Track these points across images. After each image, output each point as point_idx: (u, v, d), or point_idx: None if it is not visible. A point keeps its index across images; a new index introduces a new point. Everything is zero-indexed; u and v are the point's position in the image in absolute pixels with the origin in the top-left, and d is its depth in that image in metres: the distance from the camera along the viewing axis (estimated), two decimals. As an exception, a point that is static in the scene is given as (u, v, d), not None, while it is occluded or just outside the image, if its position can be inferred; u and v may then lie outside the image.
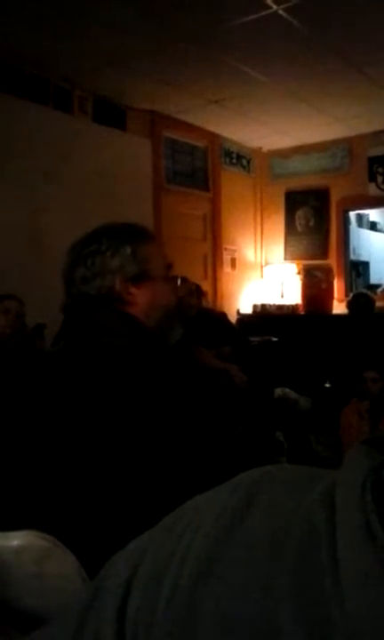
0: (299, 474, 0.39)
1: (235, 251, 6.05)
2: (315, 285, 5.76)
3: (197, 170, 5.66)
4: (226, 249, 5.93)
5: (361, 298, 5.02)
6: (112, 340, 1.17)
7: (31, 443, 1.11)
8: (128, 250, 1.24)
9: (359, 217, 6.98)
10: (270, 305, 6.03)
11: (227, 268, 5.95)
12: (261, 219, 6.38)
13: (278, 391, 3.25)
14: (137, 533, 0.43)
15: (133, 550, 0.41)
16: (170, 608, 0.35)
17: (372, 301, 4.96)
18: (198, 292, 3.96)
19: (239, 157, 6.10)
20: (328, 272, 5.82)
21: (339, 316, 5.42)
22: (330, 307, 5.73)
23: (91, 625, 0.39)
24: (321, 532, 0.32)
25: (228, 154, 5.96)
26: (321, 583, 0.30)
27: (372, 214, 7.41)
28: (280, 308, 5.96)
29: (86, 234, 1.30)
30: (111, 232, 1.28)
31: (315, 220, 6.07)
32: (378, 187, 5.63)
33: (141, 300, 1.25)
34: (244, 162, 6.18)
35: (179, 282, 1.36)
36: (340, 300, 5.68)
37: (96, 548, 0.69)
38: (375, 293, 5.45)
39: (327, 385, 4.58)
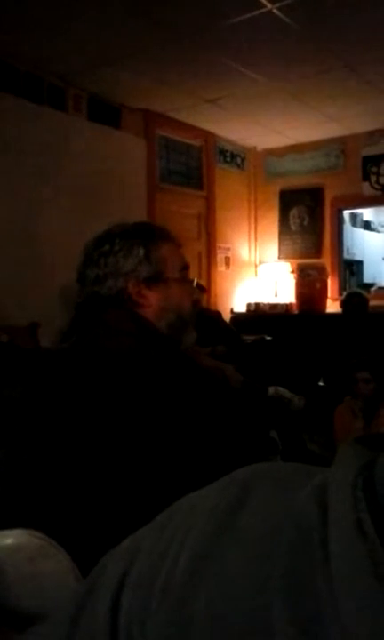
0: (291, 471, 0.39)
1: (229, 249, 6.06)
2: (308, 284, 5.77)
3: (191, 168, 5.66)
4: (220, 248, 5.94)
5: (354, 297, 5.03)
6: (119, 341, 1.16)
7: (29, 440, 1.11)
8: (141, 251, 1.22)
9: (353, 216, 7.01)
10: (264, 304, 6.04)
11: (221, 267, 5.95)
12: (255, 217, 6.38)
13: (271, 390, 3.25)
14: (130, 532, 0.43)
15: (126, 548, 0.42)
16: (163, 606, 0.35)
17: (365, 300, 4.97)
18: (199, 288, 3.94)
19: (233, 156, 6.10)
20: (322, 271, 5.84)
21: (332, 315, 5.43)
22: (323, 306, 5.74)
23: (84, 623, 0.39)
24: (313, 530, 0.32)
25: (223, 152, 5.96)
26: (313, 581, 0.30)
27: (366, 213, 7.44)
28: (274, 306, 5.97)
29: (100, 233, 1.27)
30: (125, 232, 1.25)
31: (309, 218, 6.08)
32: (371, 186, 5.65)
33: (154, 302, 1.23)
34: (239, 160, 6.19)
35: (195, 283, 1.34)
36: (334, 299, 5.70)
37: (89, 547, 0.69)
38: (369, 292, 5.46)
39: (321, 384, 4.59)
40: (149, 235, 1.26)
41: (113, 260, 1.21)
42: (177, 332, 1.27)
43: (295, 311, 5.86)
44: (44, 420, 1.10)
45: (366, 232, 7.41)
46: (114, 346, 1.14)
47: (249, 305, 6.10)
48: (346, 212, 6.42)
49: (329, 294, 5.82)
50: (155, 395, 1.06)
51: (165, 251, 1.26)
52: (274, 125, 5.45)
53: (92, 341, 1.17)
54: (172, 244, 1.30)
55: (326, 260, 5.99)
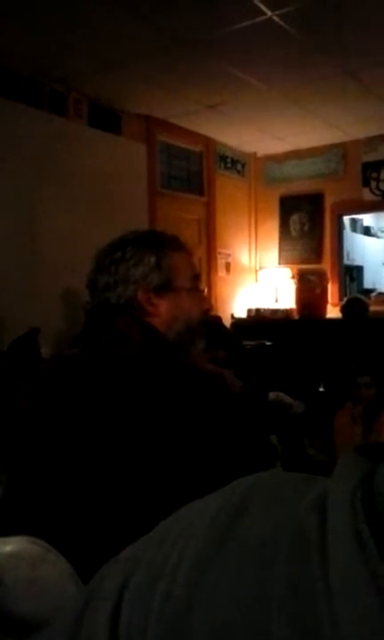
0: (291, 481, 0.39)
1: (229, 255, 6.06)
2: (309, 290, 5.78)
3: (192, 174, 5.68)
4: (220, 253, 5.95)
5: (355, 302, 5.03)
6: (126, 349, 1.15)
7: (33, 446, 1.11)
8: (152, 259, 1.22)
9: (353, 221, 7.01)
10: (264, 309, 6.04)
11: (221, 273, 5.96)
12: (256, 223, 6.39)
13: (272, 395, 3.25)
14: (131, 540, 0.43)
15: (127, 557, 0.42)
16: (163, 615, 0.35)
17: (365, 306, 4.97)
18: None
19: (234, 162, 6.12)
20: (322, 276, 5.84)
21: (333, 321, 5.43)
22: (324, 311, 5.75)
23: (84, 631, 0.39)
24: (312, 541, 0.32)
25: (223, 158, 5.98)
26: (312, 593, 0.30)
27: (366, 219, 7.45)
28: (274, 312, 5.97)
29: (112, 240, 1.27)
30: (137, 240, 1.25)
31: (309, 224, 6.09)
32: (372, 192, 5.66)
33: (163, 310, 1.23)
34: (239, 166, 6.20)
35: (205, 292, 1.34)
36: (334, 305, 5.70)
37: (90, 554, 0.69)
38: (369, 298, 5.46)
39: (321, 389, 4.58)
40: (161, 243, 1.26)
41: (124, 268, 1.21)
42: (185, 341, 1.27)
43: (295, 317, 5.86)
44: (48, 427, 1.10)
45: (366, 237, 7.42)
46: (121, 354, 1.14)
47: (249, 310, 6.10)
48: (346, 218, 6.43)
49: (329, 300, 5.82)
50: (158, 404, 1.06)
51: (177, 259, 1.26)
52: (274, 131, 5.46)
53: (99, 349, 1.17)
54: (184, 252, 1.30)
55: (327, 265, 5.99)
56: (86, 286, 1.27)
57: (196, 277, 1.32)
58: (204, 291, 1.35)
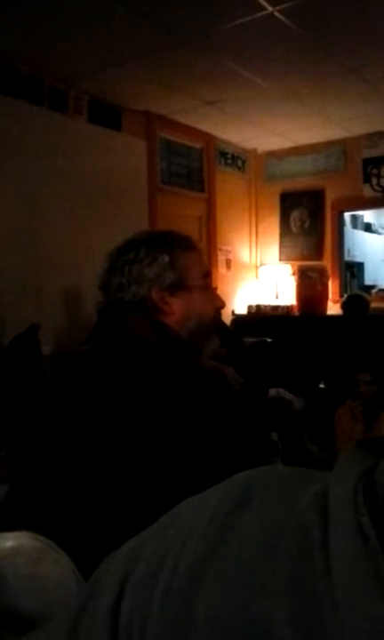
0: (292, 475, 0.39)
1: (230, 251, 6.06)
2: (309, 286, 5.77)
3: (192, 171, 5.67)
4: (221, 250, 5.94)
5: (355, 299, 5.03)
6: (138, 347, 1.16)
7: (37, 442, 1.12)
8: (166, 258, 1.23)
9: (354, 218, 7.00)
10: (265, 306, 6.04)
11: (222, 269, 5.95)
12: (256, 219, 6.38)
13: (272, 392, 3.25)
14: (131, 534, 0.43)
15: (128, 551, 0.42)
16: (163, 609, 0.35)
17: (366, 302, 4.97)
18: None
19: (234, 158, 6.11)
20: (323, 273, 5.84)
21: (333, 317, 5.43)
22: (324, 308, 5.74)
23: (85, 626, 0.39)
24: (314, 535, 0.32)
25: (224, 155, 5.96)
26: (314, 587, 0.30)
27: (367, 215, 7.43)
28: (275, 308, 5.97)
29: (124, 241, 1.28)
30: (149, 240, 1.27)
31: (310, 220, 6.08)
32: (372, 188, 5.65)
33: (177, 309, 1.24)
34: (240, 163, 6.19)
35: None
36: (335, 301, 5.70)
37: (91, 549, 0.69)
38: (370, 294, 5.46)
39: (321, 386, 4.58)
40: (173, 243, 1.28)
41: (138, 268, 1.22)
42: (198, 339, 1.28)
43: (296, 313, 5.85)
44: (56, 423, 1.10)
45: (367, 234, 7.40)
46: (132, 351, 1.15)
47: (250, 307, 6.10)
48: (347, 214, 6.42)
49: (330, 296, 5.81)
50: (164, 400, 1.06)
51: (189, 258, 1.28)
52: (274, 127, 5.45)
53: (111, 346, 1.18)
54: (195, 251, 1.33)
55: (327, 262, 5.99)
56: (99, 287, 1.28)
57: (207, 275, 1.34)
58: (216, 288, 1.36)
